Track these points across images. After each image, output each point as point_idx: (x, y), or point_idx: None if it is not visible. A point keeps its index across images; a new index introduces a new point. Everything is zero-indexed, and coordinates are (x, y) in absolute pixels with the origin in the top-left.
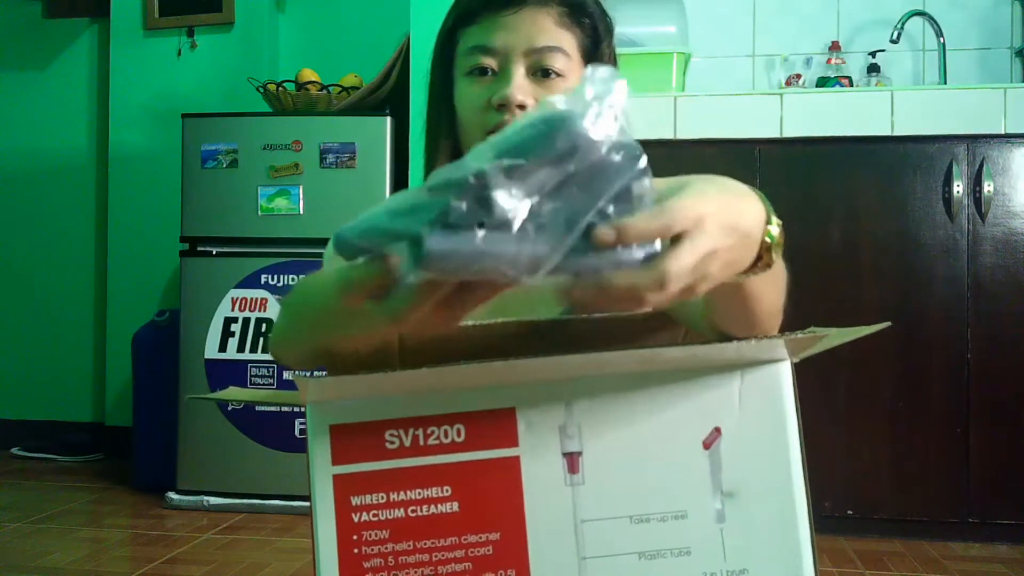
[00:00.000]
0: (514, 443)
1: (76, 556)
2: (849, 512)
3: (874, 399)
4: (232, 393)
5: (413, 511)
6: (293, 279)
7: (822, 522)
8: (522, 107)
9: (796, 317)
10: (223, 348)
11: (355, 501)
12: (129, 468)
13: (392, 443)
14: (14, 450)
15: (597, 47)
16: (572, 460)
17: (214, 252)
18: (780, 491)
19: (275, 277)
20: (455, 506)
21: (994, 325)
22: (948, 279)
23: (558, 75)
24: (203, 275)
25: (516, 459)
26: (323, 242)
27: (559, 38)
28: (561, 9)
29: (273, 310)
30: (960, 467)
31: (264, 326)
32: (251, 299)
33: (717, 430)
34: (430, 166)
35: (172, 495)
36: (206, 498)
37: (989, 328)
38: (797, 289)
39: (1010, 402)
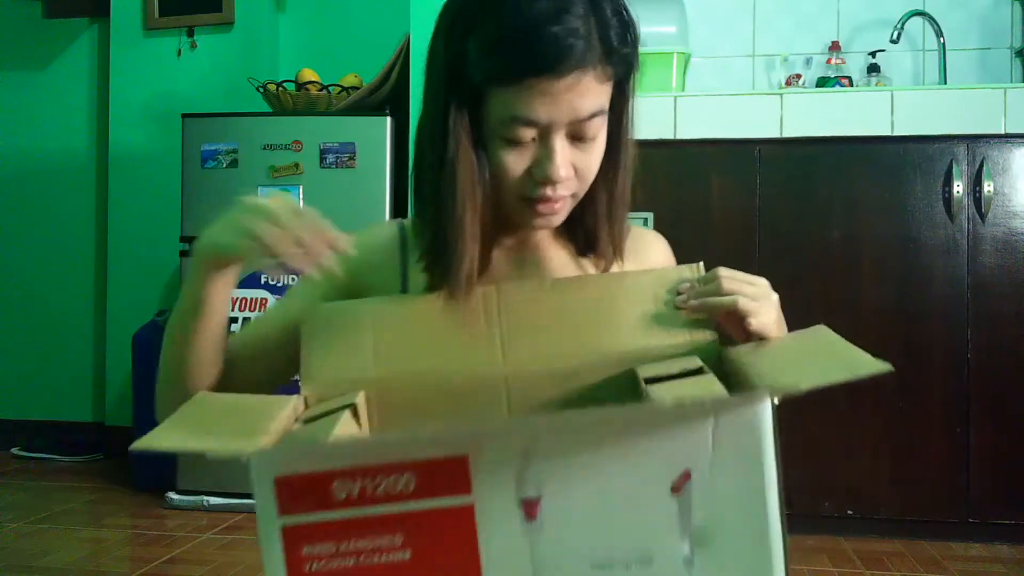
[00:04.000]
0: (467, 490)
1: (76, 556)
2: (849, 512)
3: (874, 399)
4: (168, 440)
5: (365, 559)
6: (293, 279)
7: (822, 522)
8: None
9: (796, 317)
10: None
11: (305, 551)
12: (129, 468)
13: (340, 494)
14: (14, 450)
15: (628, 77)
16: (530, 506)
17: None
18: (754, 537)
19: (275, 277)
20: (407, 555)
21: (994, 325)
22: (948, 279)
23: (596, 136)
24: None
25: (470, 507)
26: None
27: (601, 98)
28: (604, 60)
29: None
30: (960, 467)
31: None
32: (251, 299)
33: (687, 474)
34: (459, 190)
35: (172, 495)
36: (206, 498)
37: (989, 328)
38: (797, 289)
39: (1010, 402)
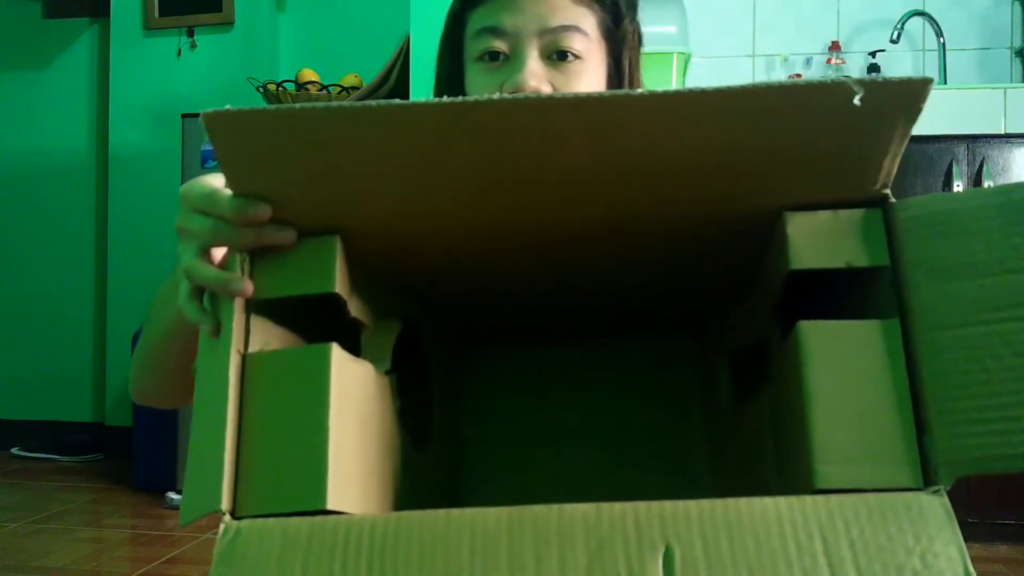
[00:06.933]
0: None
1: (76, 556)
2: None
3: None
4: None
5: None
6: None
7: None
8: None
9: None
10: None
11: None
12: (129, 468)
13: None
14: (14, 450)
15: (618, 24)
16: None
17: None
18: None
19: None
20: None
21: None
22: None
23: (576, 56)
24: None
25: None
26: None
27: (576, 16)
28: None
29: None
30: None
31: None
32: None
33: None
34: None
35: (172, 495)
36: None
37: None
38: None
39: None
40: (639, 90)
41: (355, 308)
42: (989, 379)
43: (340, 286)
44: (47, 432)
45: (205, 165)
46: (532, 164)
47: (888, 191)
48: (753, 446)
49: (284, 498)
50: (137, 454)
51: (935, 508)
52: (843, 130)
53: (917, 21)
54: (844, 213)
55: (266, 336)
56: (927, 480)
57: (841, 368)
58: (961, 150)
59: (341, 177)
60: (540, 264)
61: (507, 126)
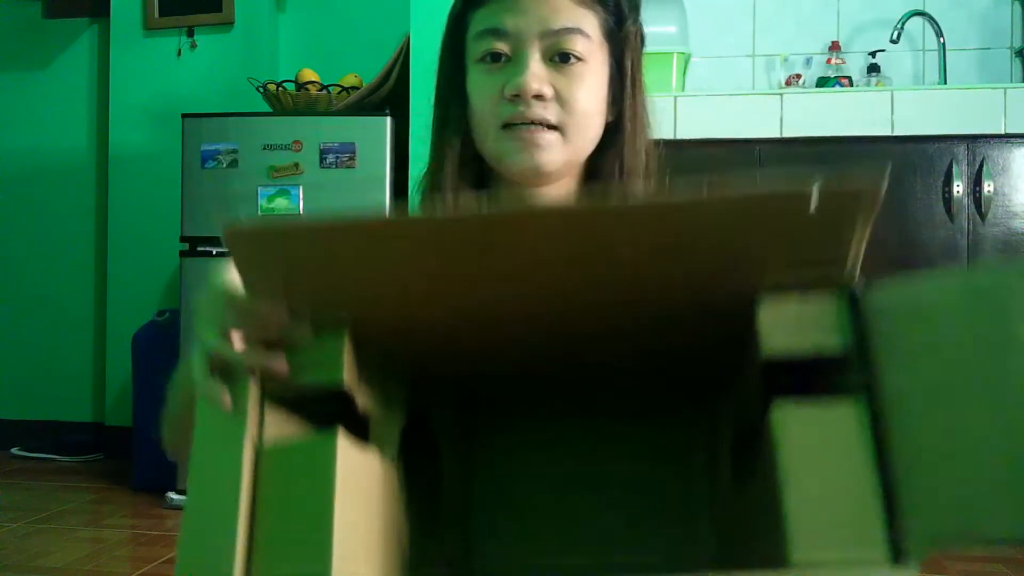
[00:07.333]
0: None
1: (76, 556)
2: None
3: None
4: None
5: None
6: None
7: None
8: (539, 96)
9: None
10: None
11: None
12: (129, 468)
13: None
14: (14, 450)
15: (620, 26)
16: None
17: (214, 252)
18: None
19: None
20: None
21: None
22: None
23: (578, 59)
24: (203, 275)
25: None
26: None
27: (578, 18)
28: None
29: None
30: None
31: None
32: None
33: None
34: (437, 162)
35: (172, 495)
36: None
37: None
38: None
39: None
40: (611, 202)
41: (363, 398)
42: (957, 460)
43: (348, 378)
44: (47, 432)
45: (205, 166)
46: (519, 261)
47: (855, 278)
48: (752, 523)
49: None
50: (137, 454)
51: None
52: (803, 229)
53: (917, 21)
54: (813, 299)
55: (278, 425)
56: (897, 557)
57: (812, 448)
58: (961, 150)
59: (346, 278)
60: (540, 346)
61: (491, 234)
